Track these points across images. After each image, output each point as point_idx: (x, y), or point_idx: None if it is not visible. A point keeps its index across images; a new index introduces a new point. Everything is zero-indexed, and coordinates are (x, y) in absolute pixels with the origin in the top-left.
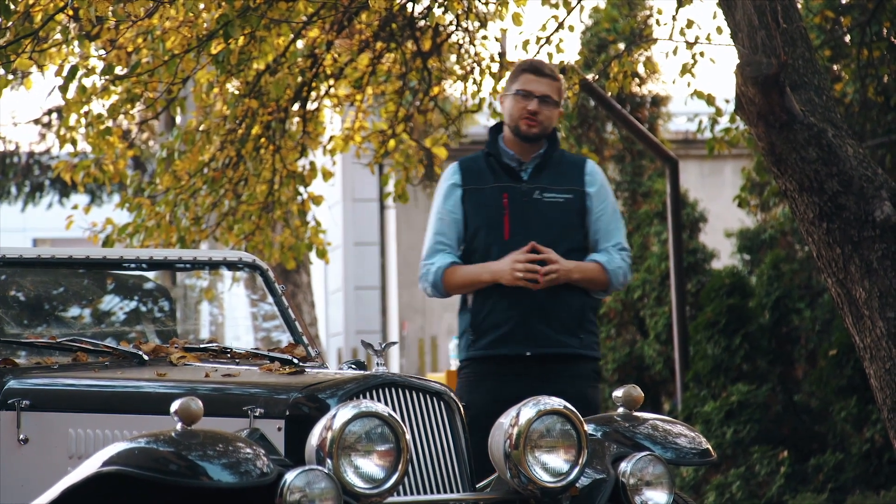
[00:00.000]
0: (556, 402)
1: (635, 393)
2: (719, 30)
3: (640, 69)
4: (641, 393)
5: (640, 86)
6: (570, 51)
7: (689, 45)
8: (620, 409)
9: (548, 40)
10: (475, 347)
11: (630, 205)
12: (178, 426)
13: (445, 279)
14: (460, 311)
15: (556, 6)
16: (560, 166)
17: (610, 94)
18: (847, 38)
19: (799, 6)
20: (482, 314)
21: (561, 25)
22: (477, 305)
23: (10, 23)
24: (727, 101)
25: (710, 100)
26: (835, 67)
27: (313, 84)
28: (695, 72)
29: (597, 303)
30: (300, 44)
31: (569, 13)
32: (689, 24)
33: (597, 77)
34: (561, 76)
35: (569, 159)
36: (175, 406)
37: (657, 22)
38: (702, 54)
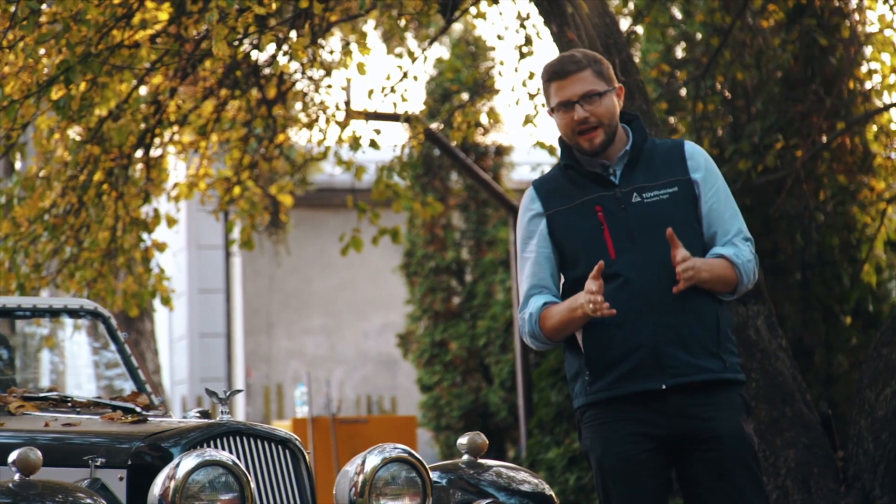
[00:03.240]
0: (401, 450)
1: (479, 440)
2: None
3: (484, 119)
4: (486, 440)
5: (483, 135)
6: (414, 100)
7: (531, 97)
8: (465, 457)
9: (392, 90)
10: (593, 390)
11: (475, 253)
12: (17, 477)
13: (542, 325)
14: (568, 351)
15: (400, 56)
16: (655, 156)
17: (454, 143)
18: (683, 92)
19: (636, 60)
20: (597, 349)
21: (405, 75)
22: (590, 341)
23: None
24: None
25: (551, 150)
26: (671, 120)
27: (157, 130)
28: (536, 122)
29: (731, 314)
30: (143, 90)
31: (413, 63)
32: (531, 75)
33: (441, 126)
34: (595, 55)
35: (663, 146)
36: (13, 456)
37: (500, 73)
38: (543, 105)
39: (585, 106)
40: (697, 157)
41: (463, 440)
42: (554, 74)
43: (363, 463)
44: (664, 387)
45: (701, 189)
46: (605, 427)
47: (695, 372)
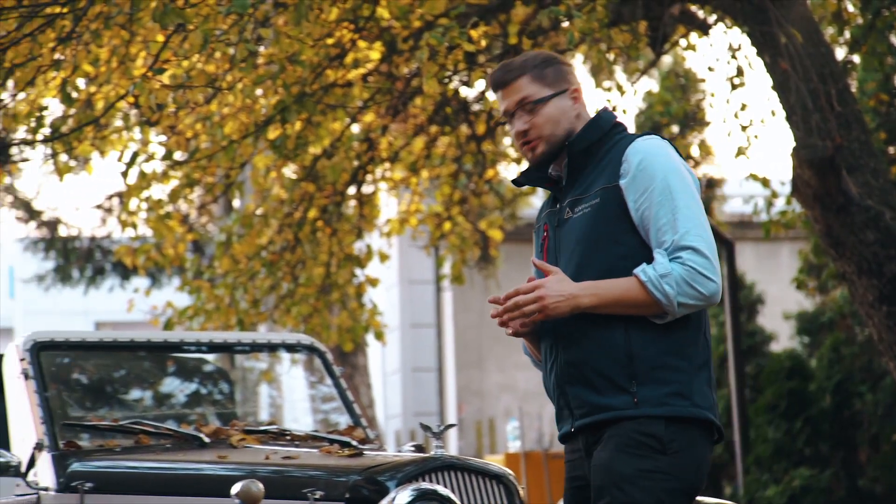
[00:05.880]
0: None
1: None
2: (773, 112)
3: (695, 151)
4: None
5: (694, 168)
6: None
7: (744, 128)
8: None
9: None
10: None
11: None
12: None
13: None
14: None
15: (609, 90)
16: (597, 163)
17: None
18: None
19: (853, 89)
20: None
21: (615, 109)
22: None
23: (72, 110)
24: (783, 184)
25: (765, 182)
26: (891, 150)
27: (369, 167)
28: (749, 154)
29: (669, 337)
30: (356, 128)
31: (622, 96)
32: (743, 107)
33: None
34: (541, 55)
35: (616, 150)
36: (236, 488)
37: (710, 105)
38: (756, 137)
39: (524, 117)
40: (632, 157)
41: None
42: (492, 85)
43: None
44: (573, 430)
45: (627, 195)
46: (567, 470)
47: (597, 411)
